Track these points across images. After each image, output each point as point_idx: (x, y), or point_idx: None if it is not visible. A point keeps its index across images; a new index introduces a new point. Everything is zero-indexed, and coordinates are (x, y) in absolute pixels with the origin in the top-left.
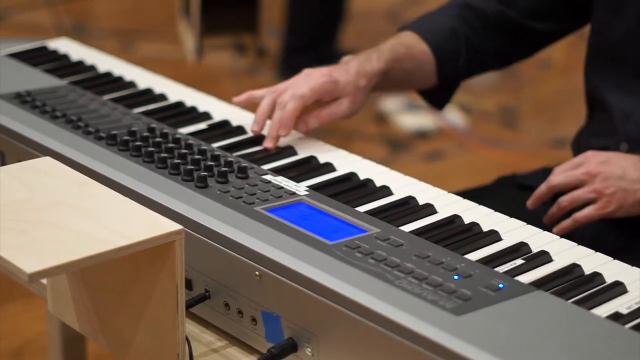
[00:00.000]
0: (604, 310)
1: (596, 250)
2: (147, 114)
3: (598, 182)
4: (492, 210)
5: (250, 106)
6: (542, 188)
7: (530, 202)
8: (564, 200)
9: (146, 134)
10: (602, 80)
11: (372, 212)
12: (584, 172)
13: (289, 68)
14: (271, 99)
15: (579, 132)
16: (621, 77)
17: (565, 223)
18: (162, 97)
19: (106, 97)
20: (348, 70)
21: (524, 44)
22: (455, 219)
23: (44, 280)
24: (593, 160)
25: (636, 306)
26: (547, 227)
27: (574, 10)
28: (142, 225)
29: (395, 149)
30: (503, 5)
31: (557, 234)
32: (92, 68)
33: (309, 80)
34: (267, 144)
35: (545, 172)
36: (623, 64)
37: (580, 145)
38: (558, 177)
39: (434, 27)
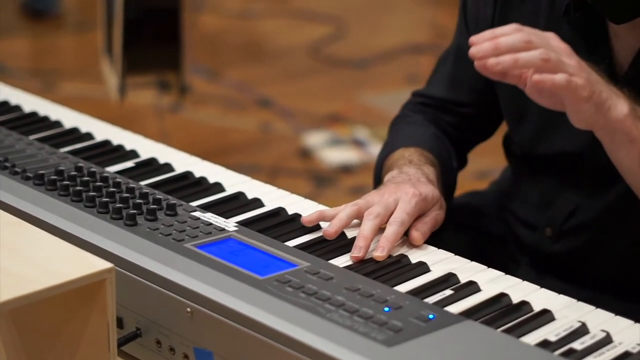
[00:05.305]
0: (533, 338)
1: None
2: (74, 153)
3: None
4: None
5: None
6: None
7: None
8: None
9: (74, 173)
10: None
11: (302, 247)
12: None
13: None
14: (354, 210)
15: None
16: (533, 173)
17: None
18: (88, 136)
19: (32, 137)
20: (429, 178)
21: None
22: None
23: None
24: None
25: (564, 333)
26: (473, 258)
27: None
28: (72, 264)
29: (321, 183)
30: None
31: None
32: (17, 108)
33: (404, 204)
34: (357, 253)
35: (475, 195)
36: (535, 162)
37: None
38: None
39: (421, 137)
